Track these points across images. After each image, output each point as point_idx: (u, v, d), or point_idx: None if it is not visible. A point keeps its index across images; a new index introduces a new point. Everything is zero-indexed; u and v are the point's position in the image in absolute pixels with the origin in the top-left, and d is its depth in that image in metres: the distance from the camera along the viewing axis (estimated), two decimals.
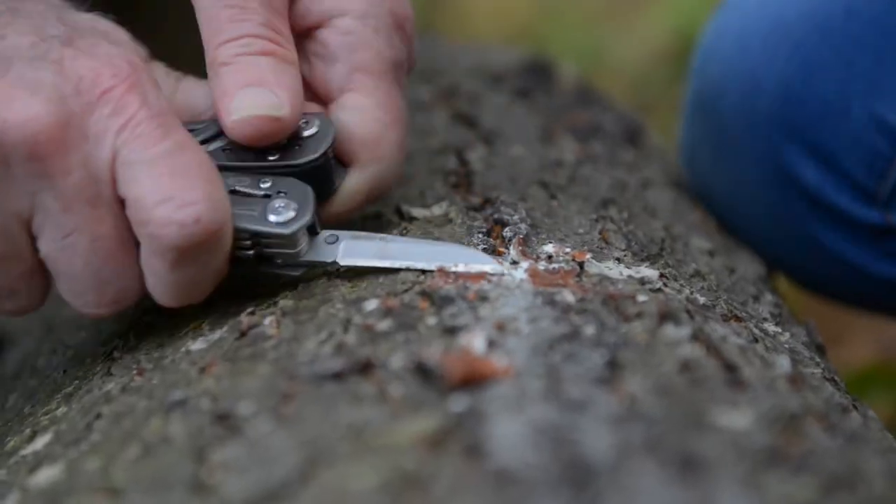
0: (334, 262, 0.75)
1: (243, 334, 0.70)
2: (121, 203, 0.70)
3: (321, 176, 0.75)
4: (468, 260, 0.73)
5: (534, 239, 0.77)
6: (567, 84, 1.13)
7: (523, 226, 0.78)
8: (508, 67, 1.11)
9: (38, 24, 0.71)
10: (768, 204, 0.97)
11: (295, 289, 0.74)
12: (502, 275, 0.72)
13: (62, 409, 0.73)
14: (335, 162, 0.76)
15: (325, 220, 0.76)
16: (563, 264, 0.74)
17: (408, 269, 0.73)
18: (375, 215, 0.81)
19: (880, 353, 1.49)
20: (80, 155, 0.68)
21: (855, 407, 0.71)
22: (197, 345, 0.72)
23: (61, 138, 0.68)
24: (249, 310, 0.73)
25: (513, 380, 0.60)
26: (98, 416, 0.68)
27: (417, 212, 0.81)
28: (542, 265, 0.74)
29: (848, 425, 0.64)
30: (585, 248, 0.77)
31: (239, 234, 0.72)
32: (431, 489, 0.53)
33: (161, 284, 0.71)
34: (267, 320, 0.71)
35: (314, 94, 0.78)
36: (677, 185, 1.02)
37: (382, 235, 0.76)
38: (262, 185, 0.73)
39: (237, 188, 0.73)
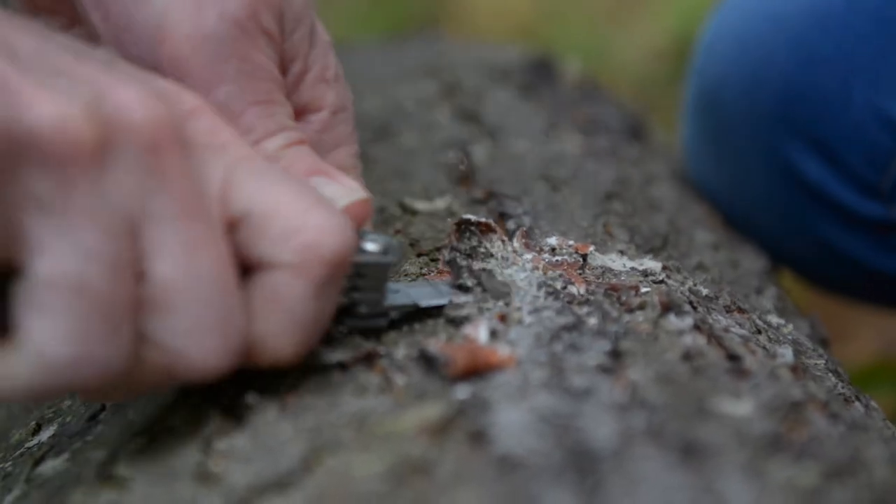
0: (414, 304, 0.67)
1: None
2: (226, 227, 0.57)
3: None
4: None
5: (537, 231, 0.77)
6: (571, 79, 1.13)
7: (526, 219, 0.78)
8: (512, 64, 1.11)
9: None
10: (771, 199, 0.97)
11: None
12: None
13: (67, 402, 0.73)
14: None
15: None
16: (566, 256, 0.75)
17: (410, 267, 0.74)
18: (378, 209, 0.82)
19: (885, 349, 1.49)
20: (193, 161, 0.57)
21: (858, 398, 0.71)
22: None
23: (180, 134, 0.56)
24: None
25: (516, 369, 0.61)
26: (103, 407, 0.69)
27: (420, 205, 0.82)
28: (545, 257, 0.74)
29: (850, 414, 0.65)
30: (589, 240, 0.77)
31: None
32: (435, 475, 0.53)
33: (291, 323, 0.59)
34: None
35: None
36: (682, 180, 1.03)
37: (423, 281, 0.71)
38: None
39: None
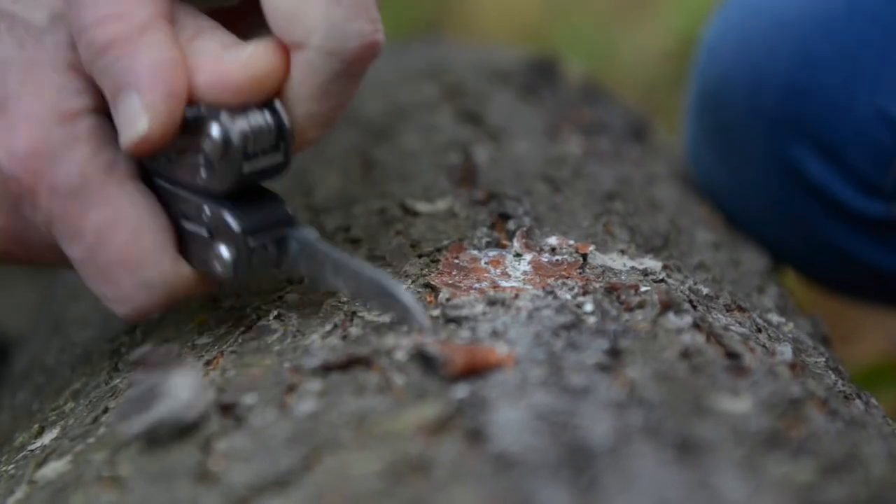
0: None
1: (248, 328, 0.71)
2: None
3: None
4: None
5: (537, 232, 0.77)
6: (573, 81, 1.13)
7: (527, 219, 0.78)
8: (514, 65, 1.11)
9: None
10: (773, 199, 0.97)
11: (300, 283, 0.75)
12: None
13: (70, 405, 0.74)
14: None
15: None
16: (566, 256, 0.75)
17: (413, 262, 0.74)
18: (379, 210, 0.82)
19: (893, 349, 1.49)
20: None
21: (858, 395, 0.71)
22: (202, 339, 0.72)
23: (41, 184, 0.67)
24: (255, 304, 0.74)
25: (514, 368, 0.61)
26: (105, 410, 0.69)
27: (421, 206, 0.82)
28: (545, 257, 0.75)
29: (849, 411, 0.65)
30: (589, 240, 0.78)
31: None
32: (433, 472, 0.54)
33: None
34: (272, 314, 0.71)
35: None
36: (684, 181, 1.03)
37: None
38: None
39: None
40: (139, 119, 0.64)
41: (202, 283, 0.70)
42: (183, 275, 0.69)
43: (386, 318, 0.68)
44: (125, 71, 0.64)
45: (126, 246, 0.67)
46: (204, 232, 0.67)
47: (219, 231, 0.67)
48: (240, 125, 0.64)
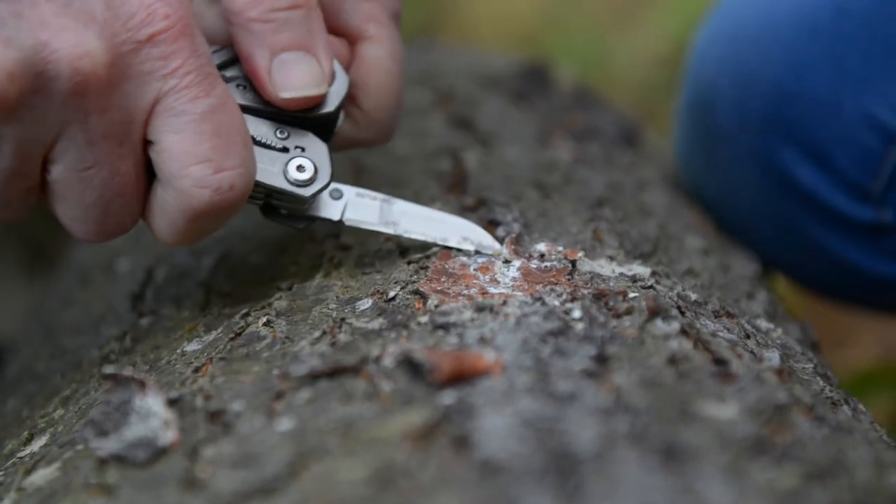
0: (340, 222, 0.76)
1: (237, 335, 0.71)
2: (144, 145, 0.69)
3: (328, 125, 0.75)
4: (467, 234, 0.75)
5: (526, 238, 0.78)
6: (565, 86, 1.14)
7: (516, 225, 0.78)
8: (506, 71, 1.12)
9: None
10: (763, 204, 0.98)
11: (290, 290, 0.75)
12: (498, 253, 0.75)
13: (59, 412, 0.74)
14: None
15: None
16: (555, 262, 0.75)
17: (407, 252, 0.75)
18: None
19: (886, 355, 1.49)
20: (120, 94, 0.67)
21: (846, 401, 0.71)
22: (192, 346, 0.73)
23: (107, 78, 0.66)
24: (244, 311, 0.74)
25: (501, 374, 0.61)
26: None
27: None
28: (534, 263, 0.75)
29: (835, 417, 0.65)
30: (578, 246, 0.78)
31: (260, 186, 0.73)
32: (419, 479, 0.54)
33: (169, 228, 0.71)
34: (261, 321, 0.72)
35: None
36: (674, 186, 1.03)
37: (385, 196, 0.77)
38: (279, 136, 0.73)
39: (256, 138, 0.72)
40: (316, 83, 0.72)
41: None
42: (253, 167, 0.71)
43: (375, 325, 0.68)
44: (311, 34, 0.72)
45: (235, 121, 0.70)
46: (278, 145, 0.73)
47: (298, 149, 0.73)
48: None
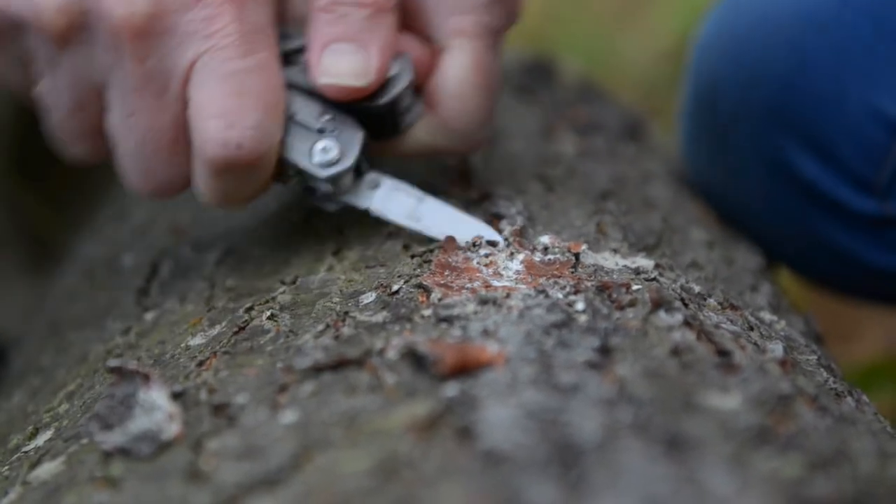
0: (367, 210, 0.77)
1: (241, 329, 0.71)
2: (185, 103, 0.73)
3: (387, 117, 0.77)
4: (483, 236, 0.76)
5: (530, 231, 0.78)
6: (569, 80, 1.14)
7: (520, 218, 0.78)
8: (510, 65, 1.12)
9: None
10: (767, 197, 0.98)
11: (293, 284, 0.75)
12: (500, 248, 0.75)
13: (64, 407, 0.74)
14: (414, 102, 0.78)
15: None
16: (558, 255, 0.75)
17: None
18: None
19: (890, 349, 1.49)
20: (161, 47, 0.72)
21: (850, 393, 0.71)
22: (196, 340, 0.73)
23: (147, 29, 0.71)
24: (248, 305, 0.74)
25: (505, 366, 0.61)
26: None
27: None
28: (537, 256, 0.75)
29: (839, 408, 0.65)
30: (581, 239, 0.78)
31: (287, 163, 0.75)
32: (422, 470, 0.54)
33: (203, 186, 0.75)
34: (265, 315, 0.72)
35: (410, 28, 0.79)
36: (679, 180, 1.03)
37: (419, 194, 0.78)
38: (321, 119, 0.76)
39: (297, 117, 0.75)
40: (358, 75, 0.75)
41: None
42: (270, 135, 0.74)
43: (378, 319, 0.68)
44: (370, 31, 0.75)
45: (267, 88, 0.73)
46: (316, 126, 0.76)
47: (333, 132, 0.76)
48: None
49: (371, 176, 0.78)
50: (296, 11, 0.79)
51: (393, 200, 0.78)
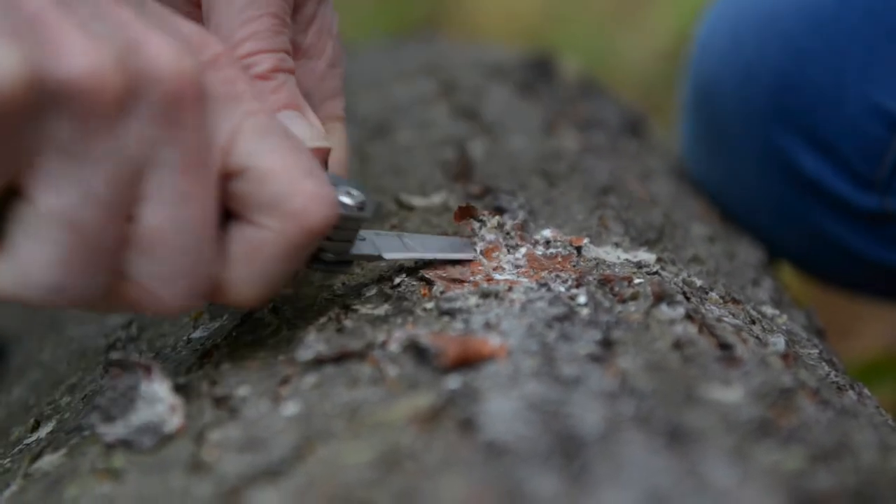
0: (379, 257, 0.71)
1: (243, 321, 0.71)
2: (224, 179, 0.60)
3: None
4: (457, 248, 0.75)
5: (532, 225, 0.78)
6: (570, 77, 1.14)
7: (521, 213, 0.79)
8: (510, 62, 1.12)
9: None
10: (767, 193, 0.98)
11: (295, 277, 0.75)
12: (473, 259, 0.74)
13: (65, 399, 0.74)
14: None
15: None
16: (560, 249, 0.75)
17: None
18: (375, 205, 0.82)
19: (891, 345, 1.49)
20: (208, 113, 0.59)
21: (852, 387, 0.71)
22: (197, 333, 0.73)
23: (201, 87, 0.58)
24: None
25: (507, 359, 0.61)
26: None
27: (417, 201, 0.82)
28: (539, 250, 0.75)
29: (841, 401, 0.65)
30: (583, 233, 0.78)
31: None
32: (424, 461, 0.54)
33: (258, 277, 0.62)
34: (267, 307, 0.72)
35: None
36: (680, 176, 1.03)
37: (397, 233, 0.75)
38: None
39: None
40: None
41: None
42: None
43: (380, 311, 0.68)
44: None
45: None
46: None
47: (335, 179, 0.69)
48: None
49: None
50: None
51: (387, 244, 0.72)
